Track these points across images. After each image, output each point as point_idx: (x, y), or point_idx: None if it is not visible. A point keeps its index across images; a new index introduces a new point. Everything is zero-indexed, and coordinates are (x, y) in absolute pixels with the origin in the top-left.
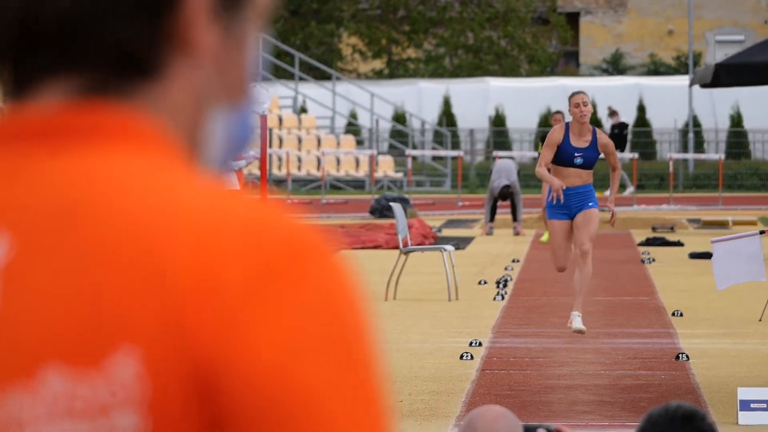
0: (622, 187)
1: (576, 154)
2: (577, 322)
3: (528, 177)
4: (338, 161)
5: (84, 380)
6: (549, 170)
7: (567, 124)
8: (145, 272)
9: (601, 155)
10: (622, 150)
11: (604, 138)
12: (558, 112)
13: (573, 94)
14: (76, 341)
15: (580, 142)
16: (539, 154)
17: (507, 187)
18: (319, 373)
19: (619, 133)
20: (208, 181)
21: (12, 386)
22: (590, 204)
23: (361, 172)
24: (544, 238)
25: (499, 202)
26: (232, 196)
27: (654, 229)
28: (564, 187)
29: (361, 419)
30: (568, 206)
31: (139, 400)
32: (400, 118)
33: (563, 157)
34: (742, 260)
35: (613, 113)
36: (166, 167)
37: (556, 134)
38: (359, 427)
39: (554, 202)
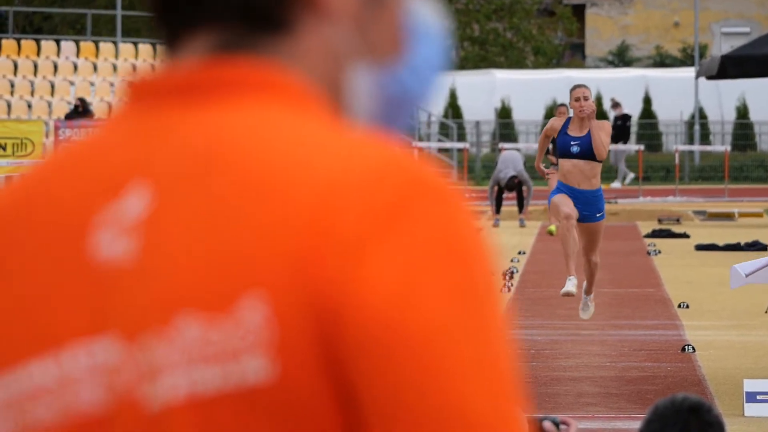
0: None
1: (572, 143)
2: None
3: (533, 169)
4: None
5: (215, 326)
6: (550, 165)
7: (568, 118)
8: (272, 219)
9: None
10: (626, 142)
11: (600, 122)
12: (563, 105)
13: (574, 88)
14: (208, 288)
15: (576, 131)
16: None
17: (514, 177)
18: (440, 310)
19: (622, 125)
20: (343, 130)
21: (148, 334)
22: (597, 216)
23: None
24: (552, 228)
25: (505, 194)
26: (360, 142)
27: (660, 221)
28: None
29: (482, 360)
30: (574, 203)
31: (267, 344)
32: None
33: (560, 147)
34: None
35: (615, 105)
36: (300, 119)
37: (554, 123)
38: (480, 366)
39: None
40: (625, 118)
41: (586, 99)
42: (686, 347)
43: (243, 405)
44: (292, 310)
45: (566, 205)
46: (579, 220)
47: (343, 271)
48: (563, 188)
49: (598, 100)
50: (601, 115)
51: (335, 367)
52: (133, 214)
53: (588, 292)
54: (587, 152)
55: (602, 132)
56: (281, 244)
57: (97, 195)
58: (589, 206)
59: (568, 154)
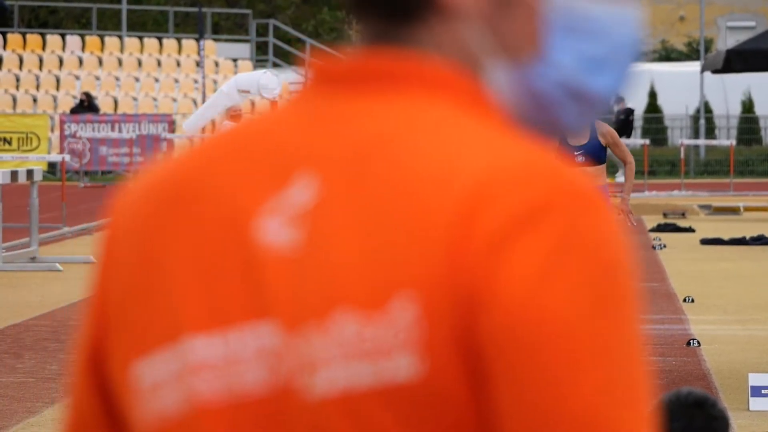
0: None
1: (576, 153)
2: None
3: None
4: None
5: (370, 323)
6: None
7: None
8: (423, 216)
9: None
10: (629, 136)
11: (603, 127)
12: None
13: None
14: (364, 285)
15: (578, 140)
16: None
17: None
18: (577, 309)
19: (625, 119)
20: (495, 126)
21: (308, 326)
22: None
23: None
24: None
25: None
26: (510, 140)
27: (665, 215)
28: None
29: (615, 364)
30: None
31: (417, 342)
32: None
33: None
34: None
35: (619, 99)
36: (457, 113)
37: None
38: (613, 369)
39: None
40: (628, 113)
41: None
42: (691, 341)
43: (392, 401)
44: (439, 309)
45: None
46: None
47: (487, 269)
48: None
49: None
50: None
51: (475, 362)
52: (300, 203)
53: None
54: (593, 158)
55: (621, 148)
56: (431, 242)
57: (266, 180)
58: None
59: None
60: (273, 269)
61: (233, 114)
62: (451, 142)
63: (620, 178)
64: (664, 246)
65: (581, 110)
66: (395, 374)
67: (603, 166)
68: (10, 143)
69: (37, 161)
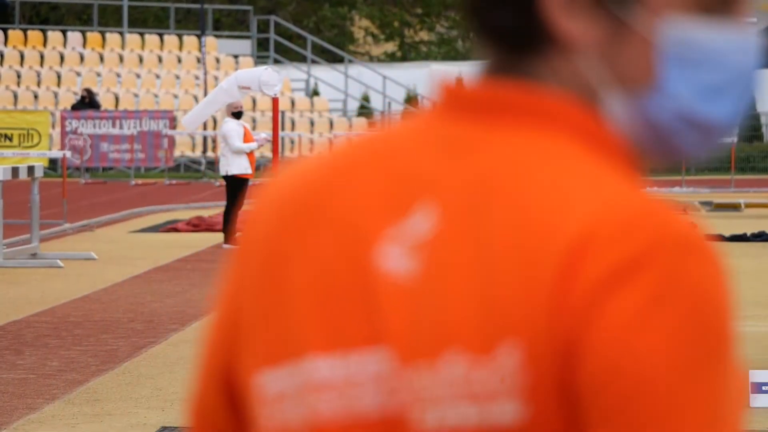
0: None
1: None
2: None
3: None
4: None
5: (478, 367)
6: None
7: None
8: (532, 264)
9: None
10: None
11: None
12: None
13: None
14: (475, 328)
15: None
16: None
17: None
18: (674, 359)
19: None
20: (610, 167)
21: (419, 362)
22: None
23: None
24: None
25: None
26: (623, 185)
27: None
28: None
29: (707, 414)
30: None
31: (521, 388)
32: (412, 100)
33: None
34: None
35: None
36: (575, 149)
37: None
38: (705, 419)
39: None
40: None
41: None
42: None
43: None
44: (542, 356)
45: None
46: None
47: (587, 318)
48: None
49: None
50: None
51: (574, 408)
52: (420, 233)
53: None
54: None
55: None
56: (536, 290)
57: (390, 206)
58: None
59: None
60: (390, 297)
61: (234, 110)
62: (564, 184)
63: None
64: None
65: (701, 138)
66: (500, 418)
67: None
68: (11, 139)
69: (38, 157)
